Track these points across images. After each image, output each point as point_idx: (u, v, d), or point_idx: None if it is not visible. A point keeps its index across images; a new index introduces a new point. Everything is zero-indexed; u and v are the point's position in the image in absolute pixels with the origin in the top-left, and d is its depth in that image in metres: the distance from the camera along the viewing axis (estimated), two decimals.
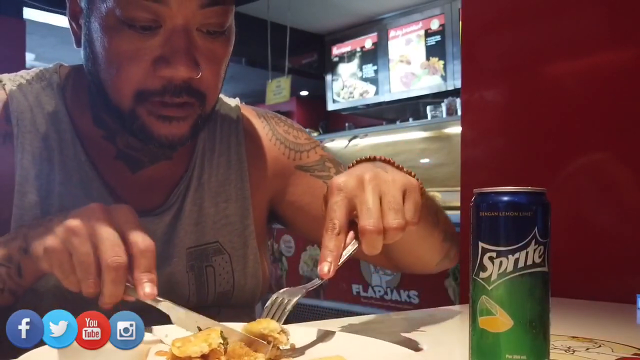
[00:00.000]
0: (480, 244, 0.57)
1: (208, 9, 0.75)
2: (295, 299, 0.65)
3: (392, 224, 0.64)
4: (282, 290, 0.66)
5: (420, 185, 0.71)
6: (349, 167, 0.77)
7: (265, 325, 0.60)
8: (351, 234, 0.66)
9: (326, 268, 0.62)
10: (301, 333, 0.70)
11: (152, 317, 0.70)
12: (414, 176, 0.72)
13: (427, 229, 0.84)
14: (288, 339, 0.62)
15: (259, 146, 0.97)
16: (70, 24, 0.84)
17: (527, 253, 0.55)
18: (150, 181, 0.88)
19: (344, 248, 0.65)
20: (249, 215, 0.93)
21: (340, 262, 0.64)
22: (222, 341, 0.56)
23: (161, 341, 0.61)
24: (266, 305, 0.65)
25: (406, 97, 5.46)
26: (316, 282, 0.64)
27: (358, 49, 5.89)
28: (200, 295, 0.87)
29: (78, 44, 0.84)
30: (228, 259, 0.90)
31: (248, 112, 1.01)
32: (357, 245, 0.65)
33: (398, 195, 0.66)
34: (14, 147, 0.82)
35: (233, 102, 1.00)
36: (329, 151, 1.04)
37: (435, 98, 5.05)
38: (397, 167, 0.73)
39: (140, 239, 0.64)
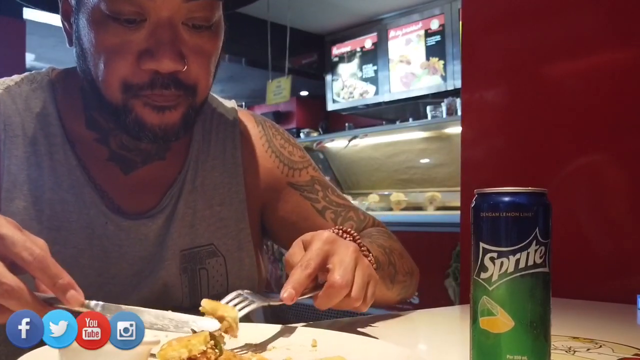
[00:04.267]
0: (481, 245, 0.57)
1: (193, 2, 0.76)
2: (252, 307, 0.68)
3: (356, 290, 0.70)
4: (247, 291, 0.70)
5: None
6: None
7: (229, 311, 0.63)
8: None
9: (287, 294, 0.66)
10: (300, 333, 0.70)
11: None
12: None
13: (381, 293, 0.86)
14: (236, 335, 0.63)
15: (254, 153, 0.96)
16: (63, 24, 0.84)
17: (528, 253, 0.55)
18: (142, 183, 0.87)
19: (307, 288, 0.69)
20: (244, 218, 0.93)
21: (298, 298, 0.67)
22: (206, 347, 0.55)
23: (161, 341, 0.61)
24: (229, 295, 0.69)
25: (406, 97, 5.46)
26: (276, 300, 0.68)
27: (358, 49, 5.89)
28: (194, 298, 0.87)
29: (70, 43, 0.83)
30: (222, 261, 0.90)
31: (246, 117, 1.00)
32: (317, 292, 0.69)
33: (367, 275, 0.73)
34: (0, 152, 0.81)
35: (230, 105, 0.99)
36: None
37: (435, 98, 5.05)
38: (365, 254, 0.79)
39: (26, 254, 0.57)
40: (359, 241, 0.80)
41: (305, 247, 0.72)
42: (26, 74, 0.90)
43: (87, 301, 0.59)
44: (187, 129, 0.82)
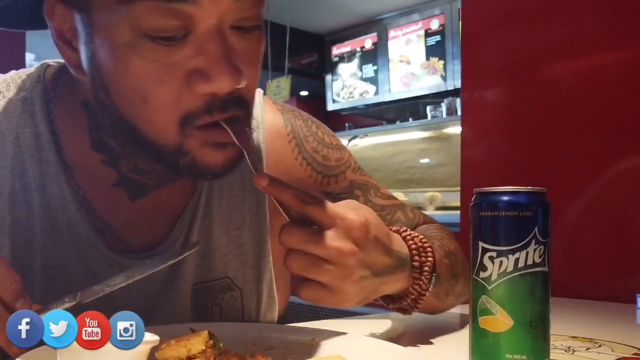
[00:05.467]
0: (481, 244, 0.57)
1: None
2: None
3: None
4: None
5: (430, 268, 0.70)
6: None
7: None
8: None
9: (262, 178, 0.60)
10: (300, 333, 0.70)
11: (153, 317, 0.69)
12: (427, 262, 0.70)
13: (427, 305, 0.75)
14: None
15: (281, 163, 0.83)
16: (59, 47, 0.67)
17: (527, 253, 0.55)
18: (151, 211, 0.75)
19: (282, 202, 0.62)
20: (265, 243, 0.81)
21: (268, 188, 0.61)
22: (205, 347, 0.55)
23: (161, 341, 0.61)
24: None
25: (406, 97, 5.45)
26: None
27: (358, 49, 5.89)
28: None
29: (77, 71, 0.66)
30: (238, 295, 0.80)
31: (273, 114, 0.85)
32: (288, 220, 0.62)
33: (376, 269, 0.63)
34: None
35: (256, 101, 0.83)
36: (359, 164, 0.91)
37: (435, 98, 5.05)
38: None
39: None
40: (429, 260, 0.70)
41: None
42: (12, 75, 0.76)
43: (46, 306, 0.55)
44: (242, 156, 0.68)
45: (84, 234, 0.71)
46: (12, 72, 0.77)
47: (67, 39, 0.66)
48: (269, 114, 0.85)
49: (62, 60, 0.75)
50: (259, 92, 0.85)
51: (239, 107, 0.63)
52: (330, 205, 0.62)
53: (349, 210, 0.63)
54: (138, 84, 0.60)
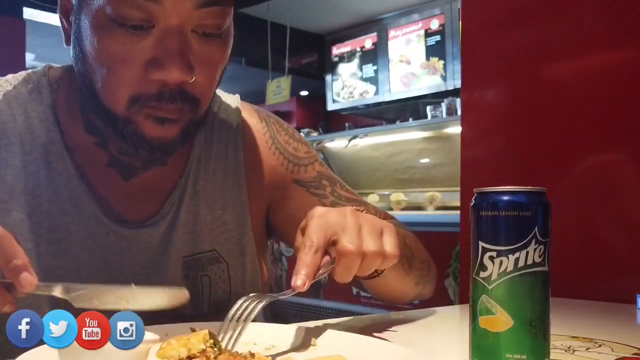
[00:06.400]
0: (481, 244, 0.57)
1: (204, 9, 0.72)
2: (261, 305, 0.64)
3: (370, 248, 0.66)
4: (251, 295, 0.66)
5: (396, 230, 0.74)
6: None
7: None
8: (327, 257, 0.67)
9: (300, 281, 0.63)
10: (300, 333, 0.70)
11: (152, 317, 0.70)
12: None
13: (399, 276, 0.84)
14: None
15: (257, 153, 0.94)
16: (61, 21, 0.81)
17: (527, 252, 0.55)
18: (143, 189, 0.85)
19: (319, 267, 0.66)
20: (246, 222, 0.90)
21: (314, 279, 0.65)
22: (205, 346, 0.55)
23: (161, 341, 0.61)
24: (236, 303, 0.64)
25: (406, 97, 5.46)
26: (288, 292, 0.65)
27: (358, 49, 5.89)
28: (195, 307, 0.84)
29: (68, 42, 0.80)
30: (225, 267, 0.87)
31: (249, 113, 0.97)
32: (332, 265, 0.66)
33: (377, 227, 0.69)
34: None
35: (233, 103, 0.96)
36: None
37: (435, 98, 5.05)
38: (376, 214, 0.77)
39: None
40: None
41: (304, 230, 0.69)
42: (22, 73, 0.87)
43: (43, 283, 0.58)
44: (185, 142, 0.79)
45: (84, 205, 0.80)
46: (22, 72, 0.87)
47: (67, 13, 0.79)
48: (247, 112, 0.96)
49: (63, 64, 0.88)
50: (236, 97, 0.97)
51: (186, 101, 0.74)
52: (312, 225, 0.67)
53: (311, 217, 0.69)
54: (105, 56, 0.72)
